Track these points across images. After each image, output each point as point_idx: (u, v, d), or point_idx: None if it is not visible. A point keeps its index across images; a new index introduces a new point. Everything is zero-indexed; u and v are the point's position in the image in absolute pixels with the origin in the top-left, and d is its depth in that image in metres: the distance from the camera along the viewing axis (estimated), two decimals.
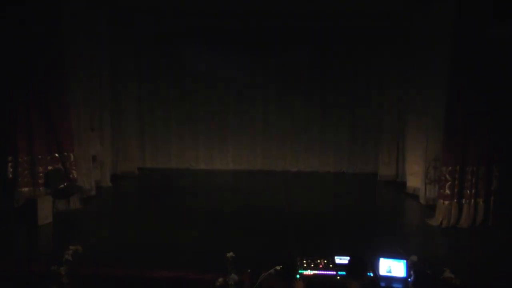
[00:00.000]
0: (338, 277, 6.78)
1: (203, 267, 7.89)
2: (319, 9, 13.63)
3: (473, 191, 10.68)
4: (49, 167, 11.31)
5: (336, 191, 14.26)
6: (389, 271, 7.35)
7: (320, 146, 16.59)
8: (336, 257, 7.11)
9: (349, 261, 6.24)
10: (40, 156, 11.15)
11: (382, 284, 7.18)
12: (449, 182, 10.71)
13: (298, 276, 6.71)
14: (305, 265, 6.99)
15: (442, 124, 11.08)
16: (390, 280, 7.33)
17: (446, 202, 10.72)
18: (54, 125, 11.36)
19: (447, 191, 10.73)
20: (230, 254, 7.21)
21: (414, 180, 13.44)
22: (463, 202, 10.73)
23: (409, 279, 6.96)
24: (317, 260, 7.08)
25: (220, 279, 6.90)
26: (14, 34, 10.79)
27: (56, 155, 11.46)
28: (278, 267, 6.59)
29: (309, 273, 6.90)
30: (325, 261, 7.07)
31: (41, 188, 11.13)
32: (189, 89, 16.46)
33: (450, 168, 10.71)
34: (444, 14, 11.28)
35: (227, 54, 15.93)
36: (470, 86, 10.51)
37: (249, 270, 6.77)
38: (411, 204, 12.93)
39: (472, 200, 10.69)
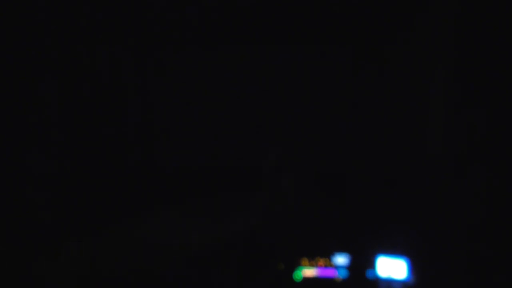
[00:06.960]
0: (338, 279, 6.61)
1: None
2: None
3: None
4: None
5: None
6: (389, 272, 7.08)
7: None
8: (336, 257, 6.90)
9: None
10: None
11: (382, 284, 6.95)
12: None
13: (299, 275, 6.51)
14: (305, 264, 6.79)
15: None
16: (389, 281, 7.07)
17: None
18: None
19: None
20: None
21: None
22: None
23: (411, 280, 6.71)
24: (317, 259, 6.88)
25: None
26: None
27: None
28: (281, 266, 6.37)
29: (310, 273, 6.70)
30: (325, 260, 6.87)
31: None
32: None
33: None
34: None
35: None
36: None
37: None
38: None
39: None
